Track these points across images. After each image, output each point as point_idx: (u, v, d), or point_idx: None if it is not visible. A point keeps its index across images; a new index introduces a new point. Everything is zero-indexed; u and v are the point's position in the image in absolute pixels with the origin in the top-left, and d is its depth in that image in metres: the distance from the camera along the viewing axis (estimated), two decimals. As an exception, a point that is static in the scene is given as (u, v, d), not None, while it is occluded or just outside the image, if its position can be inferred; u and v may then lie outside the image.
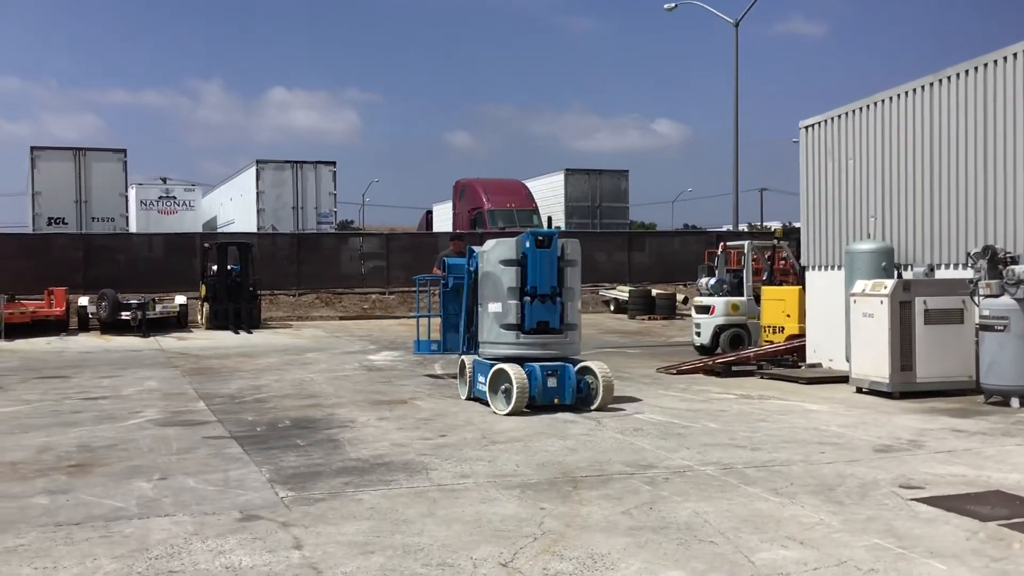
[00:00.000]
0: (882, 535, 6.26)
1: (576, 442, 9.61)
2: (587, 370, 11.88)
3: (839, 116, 15.76)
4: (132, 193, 40.34)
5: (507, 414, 11.26)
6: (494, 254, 12.09)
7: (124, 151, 35.97)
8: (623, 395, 13.13)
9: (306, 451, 9.24)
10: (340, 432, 10.29)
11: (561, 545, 6.07)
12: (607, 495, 7.37)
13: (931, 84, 13.75)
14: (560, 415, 11.30)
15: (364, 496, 7.38)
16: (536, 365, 11.57)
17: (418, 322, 16.31)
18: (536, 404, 11.50)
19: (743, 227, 48.12)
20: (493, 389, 11.69)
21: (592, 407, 11.66)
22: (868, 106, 15.05)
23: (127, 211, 36.78)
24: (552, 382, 11.55)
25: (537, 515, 6.79)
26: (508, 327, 11.81)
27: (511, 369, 11.37)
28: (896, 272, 13.85)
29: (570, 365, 11.75)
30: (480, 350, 12.43)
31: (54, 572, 5.57)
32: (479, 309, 12.55)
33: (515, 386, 11.22)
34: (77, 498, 7.39)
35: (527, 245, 11.84)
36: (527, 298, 11.82)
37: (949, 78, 13.44)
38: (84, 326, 25.87)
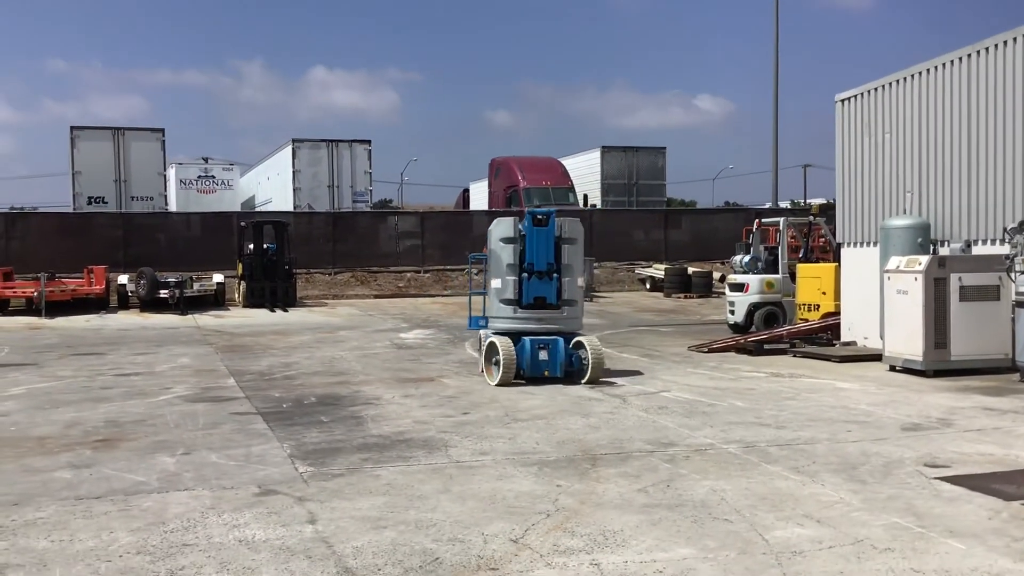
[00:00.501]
0: (902, 514, 6.16)
1: (599, 420, 9.57)
2: (580, 345, 12.16)
3: (876, 89, 15.46)
4: (172, 172, 40.72)
5: (497, 384, 11.71)
6: (496, 232, 12.50)
7: (162, 131, 36.24)
8: (651, 373, 13.06)
9: (329, 427, 9.28)
10: (364, 409, 10.33)
11: (574, 522, 6.03)
12: (625, 473, 7.32)
13: (969, 56, 13.43)
14: (586, 392, 11.29)
15: (382, 472, 7.40)
16: (527, 339, 11.98)
17: (470, 299, 16.25)
18: (526, 376, 11.93)
19: (785, 204, 47.57)
20: (487, 360, 12.22)
21: (582, 381, 11.92)
22: (905, 78, 14.75)
23: (166, 190, 37.11)
24: (543, 355, 12.00)
25: (552, 492, 6.76)
26: (507, 302, 12.27)
27: (500, 342, 11.86)
28: (932, 248, 13.60)
29: (561, 339, 12.06)
30: (488, 324, 12.80)
31: (70, 545, 5.64)
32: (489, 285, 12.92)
33: (502, 358, 11.69)
34: (100, 472, 7.49)
35: (525, 224, 12.21)
36: (525, 274, 12.17)
37: (987, 49, 13.11)
38: (124, 304, 26.19)
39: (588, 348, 11.98)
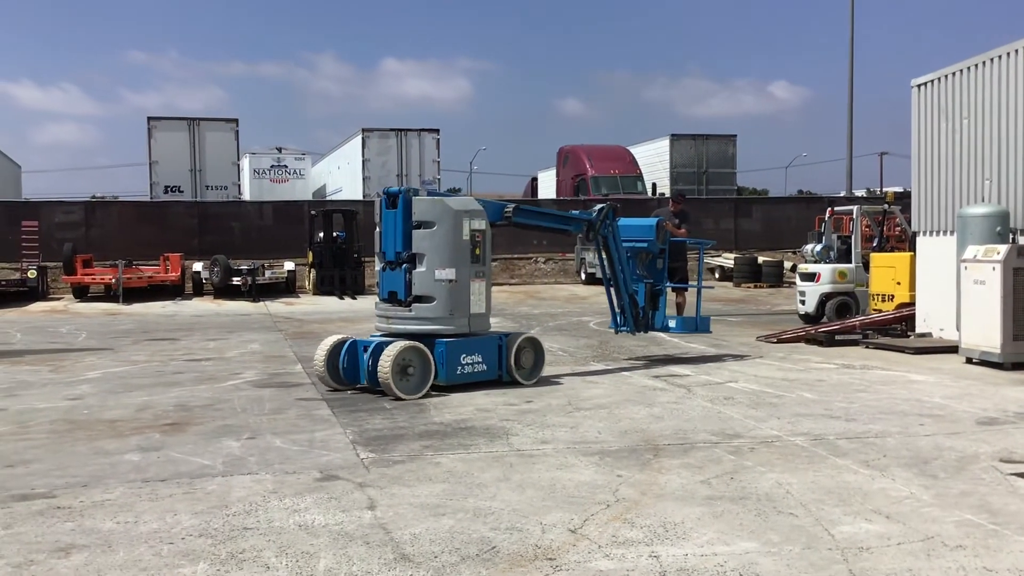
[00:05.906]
0: (975, 511, 5.95)
1: (663, 410, 9.45)
2: (411, 349, 10.20)
3: (953, 74, 14.99)
4: (245, 162, 41.43)
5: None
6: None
7: (236, 121, 36.93)
8: (717, 363, 12.88)
9: (392, 414, 9.32)
10: (427, 396, 10.34)
11: (634, 513, 5.95)
12: (688, 464, 7.21)
13: (1053, 37, 12.94)
14: (650, 382, 11.18)
15: (442, 459, 7.40)
16: (351, 340, 10.68)
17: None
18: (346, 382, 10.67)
19: (861, 192, 46.55)
20: None
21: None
22: (984, 63, 14.26)
23: (239, 179, 37.78)
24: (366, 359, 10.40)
25: (613, 482, 6.68)
26: (379, 296, 10.88)
27: (322, 343, 10.82)
28: (1012, 237, 13.16)
29: (375, 342, 10.39)
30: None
31: (135, 527, 5.73)
32: None
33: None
34: (167, 455, 7.61)
35: (382, 206, 10.64)
36: (381, 265, 10.73)
37: (1073, 30, 12.61)
38: (199, 291, 26.79)
39: (388, 356, 9.96)
